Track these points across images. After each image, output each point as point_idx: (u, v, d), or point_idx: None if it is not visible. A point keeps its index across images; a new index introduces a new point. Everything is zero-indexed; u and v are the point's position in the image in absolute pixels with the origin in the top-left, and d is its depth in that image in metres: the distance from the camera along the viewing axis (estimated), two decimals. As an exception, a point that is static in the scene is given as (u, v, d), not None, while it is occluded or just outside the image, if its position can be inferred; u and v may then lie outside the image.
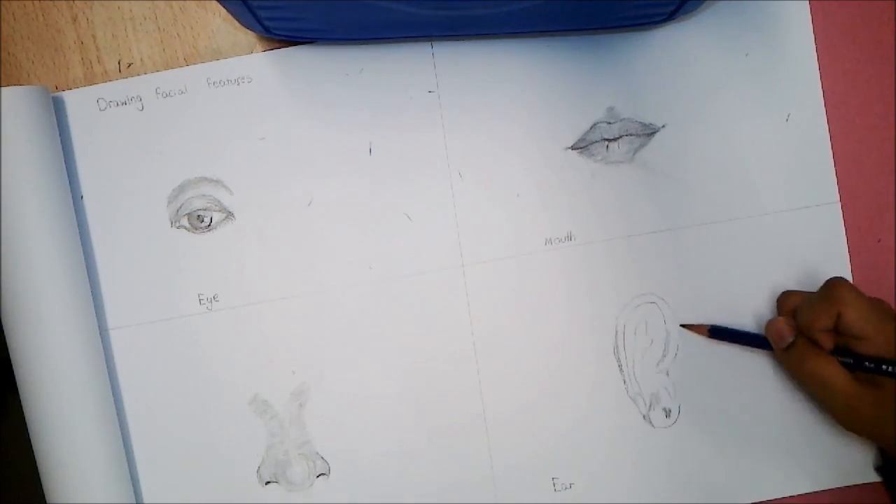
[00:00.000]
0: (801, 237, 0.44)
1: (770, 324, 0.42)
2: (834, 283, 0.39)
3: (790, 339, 0.40)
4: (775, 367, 0.44)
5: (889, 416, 0.38)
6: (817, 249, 0.44)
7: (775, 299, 0.44)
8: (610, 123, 0.44)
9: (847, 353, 0.39)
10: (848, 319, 0.38)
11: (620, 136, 0.44)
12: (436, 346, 0.44)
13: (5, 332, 0.41)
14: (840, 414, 0.39)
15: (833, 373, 0.39)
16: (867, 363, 0.38)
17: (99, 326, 0.43)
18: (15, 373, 0.41)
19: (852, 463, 0.44)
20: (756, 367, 0.44)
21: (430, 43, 0.44)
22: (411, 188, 0.44)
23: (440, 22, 0.41)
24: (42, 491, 0.42)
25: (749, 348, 0.43)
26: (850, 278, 0.44)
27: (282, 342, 0.44)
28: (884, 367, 0.38)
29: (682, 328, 0.44)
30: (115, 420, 0.43)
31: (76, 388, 0.41)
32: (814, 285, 0.44)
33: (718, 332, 0.43)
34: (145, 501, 0.44)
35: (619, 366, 0.44)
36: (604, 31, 0.44)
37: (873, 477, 0.44)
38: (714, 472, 0.44)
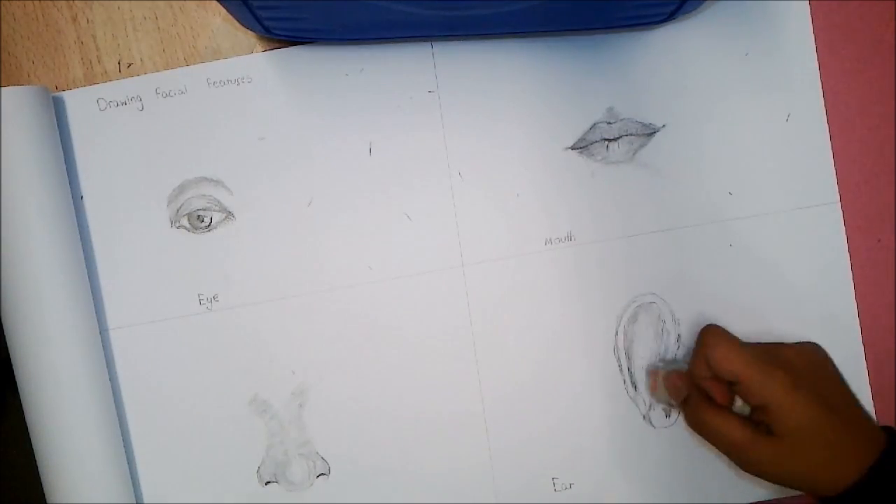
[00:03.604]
0: (801, 237, 0.44)
1: (666, 379, 0.42)
2: (703, 329, 0.39)
3: (684, 394, 0.40)
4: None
5: (786, 460, 0.36)
6: (817, 249, 0.44)
7: (775, 300, 0.44)
8: (610, 123, 0.44)
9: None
10: (713, 362, 0.37)
11: (620, 136, 0.44)
12: (436, 346, 0.44)
13: (5, 332, 0.41)
14: (740, 462, 0.38)
15: (724, 422, 0.38)
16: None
17: (99, 326, 0.43)
18: (15, 373, 0.41)
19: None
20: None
21: (430, 43, 0.44)
22: (411, 188, 0.44)
23: (440, 22, 0.41)
24: (42, 491, 0.42)
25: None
26: (850, 278, 0.44)
27: (282, 342, 0.44)
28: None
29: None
30: (115, 420, 0.43)
31: (76, 388, 0.41)
32: (814, 285, 0.44)
33: None
34: (145, 501, 0.44)
35: (619, 366, 0.44)
36: (604, 31, 0.44)
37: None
38: (714, 472, 0.44)
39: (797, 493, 0.41)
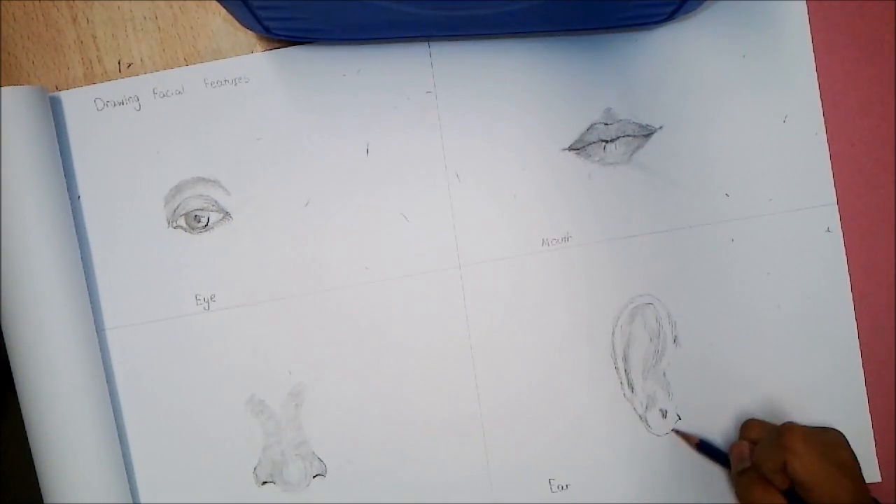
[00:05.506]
0: (799, 238, 0.44)
1: (734, 445, 0.42)
2: (784, 430, 0.39)
3: (747, 465, 0.41)
4: (774, 366, 0.44)
5: None
6: (815, 250, 0.44)
7: (772, 302, 0.44)
8: (607, 124, 0.44)
9: (795, 498, 0.39)
10: (792, 469, 0.37)
11: (618, 138, 0.44)
12: (433, 347, 0.44)
13: (3, 332, 0.41)
14: None
15: None
16: None
17: (96, 326, 0.43)
18: (13, 373, 0.41)
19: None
20: (753, 367, 0.44)
21: (427, 43, 0.44)
22: (408, 189, 0.44)
23: (439, 22, 0.41)
24: (40, 491, 0.42)
25: (751, 350, 0.43)
26: (847, 279, 0.44)
27: (278, 342, 0.44)
28: None
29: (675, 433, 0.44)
30: (112, 420, 0.43)
31: (73, 387, 0.41)
32: (811, 286, 0.43)
33: (706, 448, 0.43)
34: (142, 501, 0.44)
35: (616, 367, 0.44)
36: (602, 31, 0.44)
37: (875, 477, 0.43)
38: (710, 472, 0.44)
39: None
